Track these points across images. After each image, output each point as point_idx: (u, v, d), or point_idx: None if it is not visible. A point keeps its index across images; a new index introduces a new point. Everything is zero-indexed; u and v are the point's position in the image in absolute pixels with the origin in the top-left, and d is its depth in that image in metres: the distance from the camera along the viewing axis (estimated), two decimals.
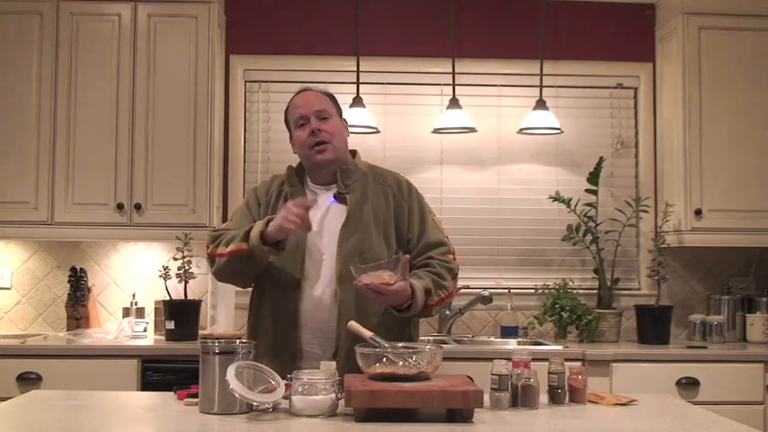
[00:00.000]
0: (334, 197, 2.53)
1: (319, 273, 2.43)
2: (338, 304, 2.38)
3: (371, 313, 2.37)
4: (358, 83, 3.98)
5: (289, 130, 2.63)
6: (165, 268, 3.67)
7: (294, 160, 2.67)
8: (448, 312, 3.92)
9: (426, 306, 2.36)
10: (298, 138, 2.56)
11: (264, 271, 2.49)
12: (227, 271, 2.50)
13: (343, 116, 2.66)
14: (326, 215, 2.51)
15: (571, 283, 4.00)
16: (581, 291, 4.00)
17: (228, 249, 2.41)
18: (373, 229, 2.47)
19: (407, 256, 2.31)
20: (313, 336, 2.40)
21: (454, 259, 2.55)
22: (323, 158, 2.51)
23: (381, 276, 2.21)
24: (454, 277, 2.52)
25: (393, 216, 2.52)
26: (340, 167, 2.54)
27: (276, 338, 2.43)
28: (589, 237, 3.97)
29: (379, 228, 2.48)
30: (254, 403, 1.91)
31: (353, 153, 2.65)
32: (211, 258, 2.51)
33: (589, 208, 3.99)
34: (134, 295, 3.94)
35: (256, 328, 2.52)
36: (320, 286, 2.42)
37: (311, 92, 2.62)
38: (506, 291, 4.05)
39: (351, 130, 3.90)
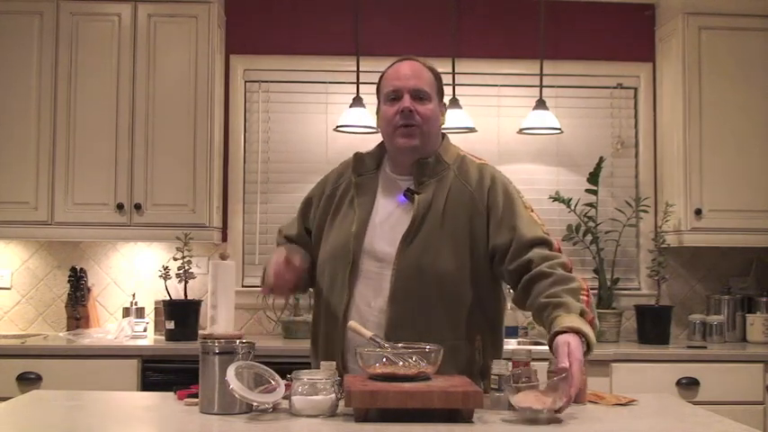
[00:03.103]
0: (404, 196, 2.18)
1: (371, 285, 2.14)
2: (387, 326, 2.09)
3: (427, 340, 2.00)
4: (358, 83, 3.97)
5: (378, 99, 2.27)
6: (165, 268, 3.67)
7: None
8: None
9: (592, 326, 1.96)
10: (385, 113, 2.20)
11: (319, 276, 2.25)
12: None
13: (444, 100, 2.28)
14: (392, 217, 2.18)
15: None
16: None
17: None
18: (440, 239, 2.12)
19: (568, 367, 1.83)
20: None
21: (560, 252, 2.12)
22: (405, 144, 2.17)
23: (540, 397, 1.82)
24: (570, 271, 2.08)
25: (468, 224, 2.15)
26: (418, 160, 2.18)
27: (324, 352, 2.18)
28: (589, 237, 3.97)
29: (448, 238, 2.12)
30: (254, 403, 1.91)
31: (443, 137, 2.27)
32: None
33: (589, 208, 3.99)
34: (134, 295, 3.94)
35: (315, 340, 2.28)
36: (369, 302, 2.14)
37: (414, 63, 2.21)
38: (507, 290, 4.04)
39: (350, 129, 3.97)
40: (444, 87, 2.27)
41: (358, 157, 2.28)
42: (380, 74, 2.28)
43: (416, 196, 2.15)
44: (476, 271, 2.15)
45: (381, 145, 2.29)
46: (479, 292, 2.18)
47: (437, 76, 2.24)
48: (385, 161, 2.27)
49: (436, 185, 2.17)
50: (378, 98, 2.27)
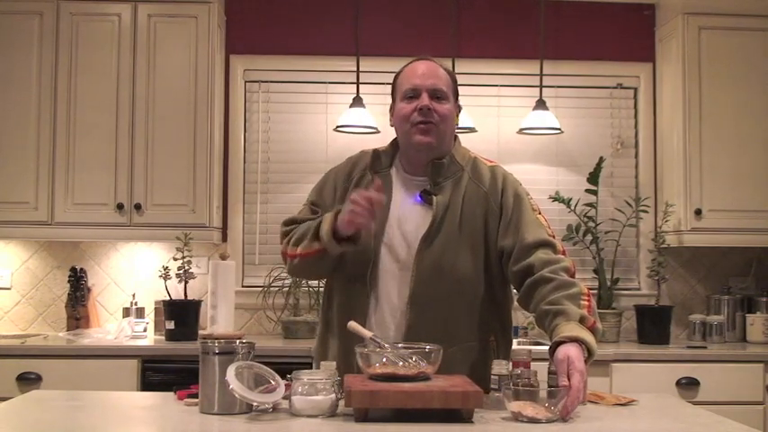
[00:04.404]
0: (420, 197, 2.18)
1: (390, 288, 2.14)
2: (407, 328, 2.10)
3: (447, 341, 1.99)
4: (358, 83, 3.97)
5: (393, 98, 2.28)
6: (165, 268, 3.67)
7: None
8: None
9: (593, 331, 1.96)
10: (401, 110, 2.20)
11: (333, 277, 2.24)
12: (301, 272, 2.27)
13: (459, 101, 2.30)
14: (408, 217, 2.18)
15: None
16: None
17: (300, 251, 2.16)
18: (459, 241, 2.13)
19: (570, 385, 1.82)
20: None
21: (564, 255, 2.12)
22: (423, 140, 2.16)
23: (536, 407, 1.81)
24: (573, 276, 2.08)
25: (484, 224, 2.17)
26: (433, 161, 2.18)
27: (340, 358, 2.14)
28: (589, 237, 3.97)
29: (465, 240, 2.14)
30: (254, 403, 1.91)
31: (454, 138, 2.28)
32: (284, 257, 2.26)
33: (589, 208, 3.99)
34: (134, 295, 3.94)
35: (324, 338, 2.26)
36: (389, 304, 2.14)
37: (431, 63, 2.26)
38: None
39: (350, 130, 3.97)
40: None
41: (376, 154, 2.28)
42: (396, 73, 2.30)
43: (435, 198, 2.16)
44: (490, 272, 2.17)
45: (394, 143, 2.29)
46: (494, 292, 2.20)
47: (453, 78, 2.27)
48: (398, 160, 2.27)
49: (452, 187, 2.19)
50: (393, 96, 2.28)
